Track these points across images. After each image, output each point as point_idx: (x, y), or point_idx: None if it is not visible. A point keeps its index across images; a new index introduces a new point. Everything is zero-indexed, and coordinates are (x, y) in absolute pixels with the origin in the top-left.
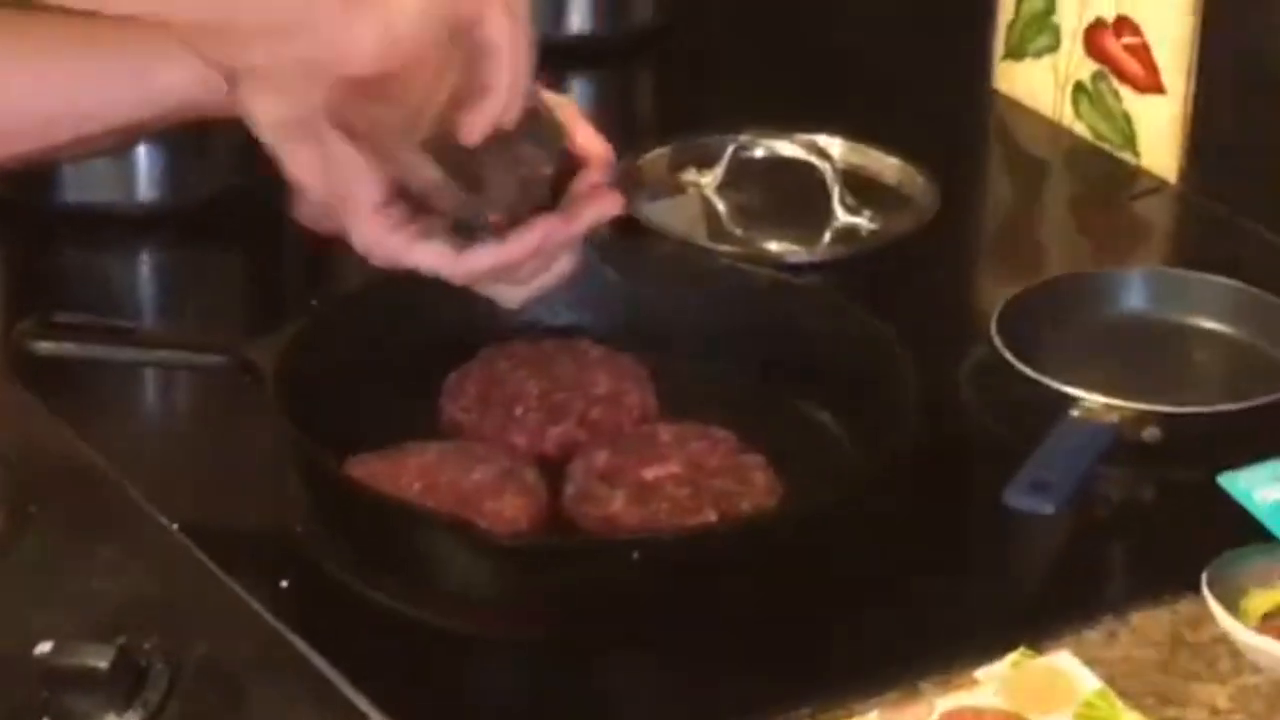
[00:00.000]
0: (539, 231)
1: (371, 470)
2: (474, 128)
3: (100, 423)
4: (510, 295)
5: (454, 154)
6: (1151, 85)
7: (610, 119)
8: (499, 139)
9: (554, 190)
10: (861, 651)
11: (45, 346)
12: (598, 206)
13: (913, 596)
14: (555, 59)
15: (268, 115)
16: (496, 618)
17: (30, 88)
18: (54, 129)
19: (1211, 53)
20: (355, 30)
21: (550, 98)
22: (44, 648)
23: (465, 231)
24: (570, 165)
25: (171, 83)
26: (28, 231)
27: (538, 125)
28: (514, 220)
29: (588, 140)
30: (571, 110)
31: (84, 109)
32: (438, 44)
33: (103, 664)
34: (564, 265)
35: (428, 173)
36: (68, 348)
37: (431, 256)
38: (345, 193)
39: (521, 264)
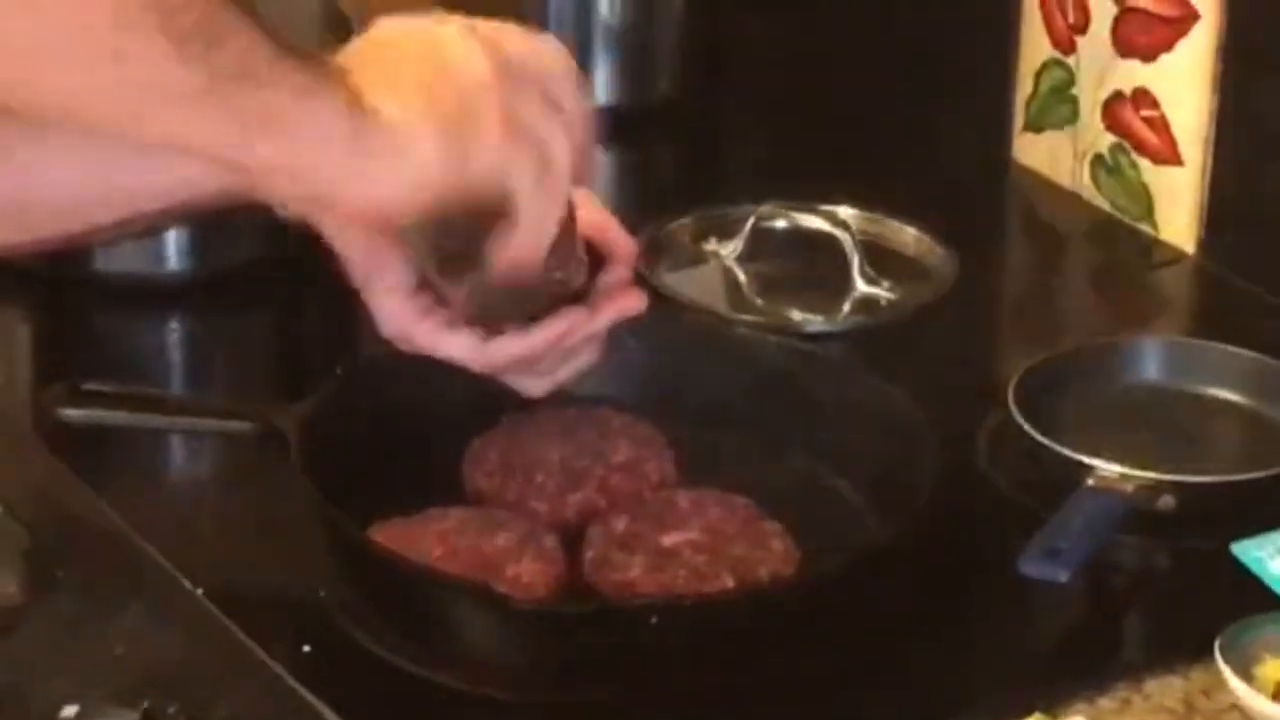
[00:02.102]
0: (562, 327)
1: (395, 536)
2: (500, 261)
3: (127, 488)
4: (532, 385)
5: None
6: (1170, 157)
7: (632, 189)
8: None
9: (570, 277)
10: (875, 715)
11: (73, 413)
12: (621, 304)
13: (928, 662)
14: None
15: (298, 213)
16: (516, 681)
17: (71, 174)
18: (93, 213)
19: (1228, 125)
20: (367, 178)
21: (585, 201)
22: (69, 711)
23: (492, 324)
24: (595, 257)
25: (209, 171)
26: (58, 299)
27: (566, 234)
28: (538, 313)
29: (613, 235)
30: (597, 207)
31: (122, 194)
32: (458, 193)
33: None
34: (585, 359)
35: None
36: (96, 414)
37: (457, 347)
38: (375, 277)
39: (544, 356)
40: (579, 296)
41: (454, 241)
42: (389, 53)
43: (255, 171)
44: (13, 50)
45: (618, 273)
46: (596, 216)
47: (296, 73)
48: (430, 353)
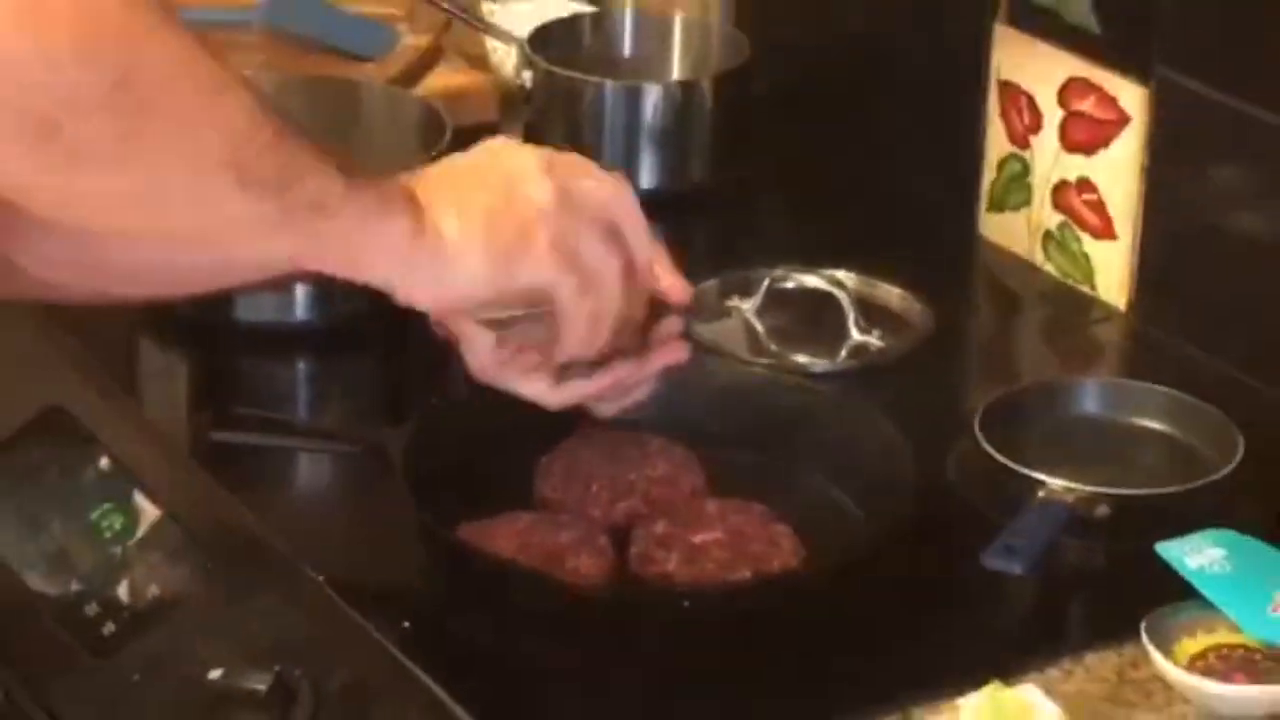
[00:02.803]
0: (619, 375)
1: (477, 534)
2: (557, 354)
3: (262, 496)
4: (600, 410)
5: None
6: (1106, 233)
7: (672, 256)
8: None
9: (641, 326)
10: (867, 681)
11: (220, 435)
12: (669, 355)
13: (908, 638)
14: None
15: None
16: (574, 653)
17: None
18: (220, 278)
19: (1154, 208)
20: (420, 284)
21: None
22: (215, 674)
23: (562, 369)
24: (655, 306)
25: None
26: (208, 343)
27: (629, 324)
28: (601, 359)
29: (673, 287)
30: (662, 257)
31: (238, 271)
32: (506, 298)
33: (262, 687)
34: (642, 393)
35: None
36: (238, 437)
37: (532, 390)
38: (464, 337)
39: (604, 396)
40: (637, 343)
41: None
42: (466, 177)
43: (325, 267)
44: (125, 196)
45: (672, 326)
46: (662, 267)
47: (365, 200)
48: (511, 391)
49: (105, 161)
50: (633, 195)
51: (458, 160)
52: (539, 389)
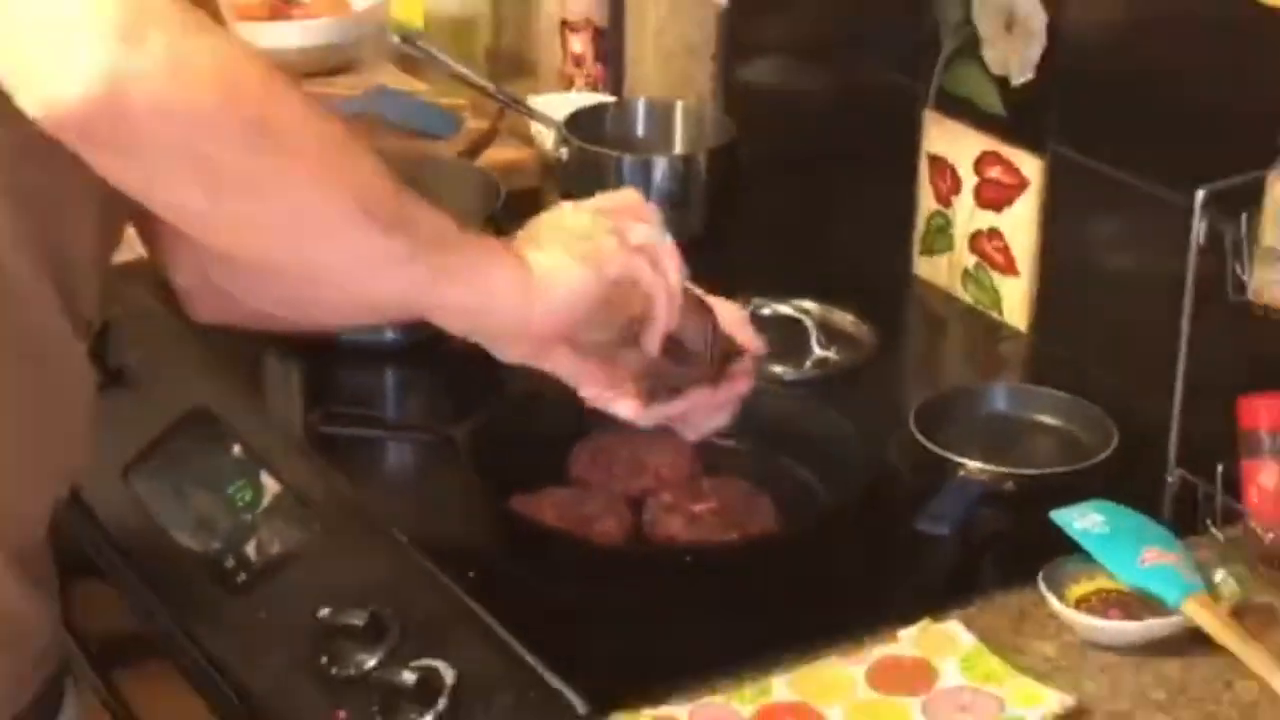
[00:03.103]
0: (692, 401)
1: (525, 505)
2: (651, 343)
3: (360, 474)
4: (686, 433)
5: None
6: (1011, 271)
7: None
8: (672, 344)
9: (724, 360)
10: (827, 617)
11: (326, 428)
12: (737, 386)
13: (860, 584)
14: None
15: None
16: (599, 596)
17: (330, 297)
18: (344, 317)
19: (1047, 251)
20: (535, 306)
21: (724, 308)
22: (324, 612)
23: (649, 392)
24: (734, 348)
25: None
26: (317, 357)
27: (701, 330)
28: (684, 386)
29: (749, 339)
30: (740, 316)
31: (358, 313)
32: (600, 304)
33: (359, 622)
34: (720, 420)
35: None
36: (339, 429)
37: (625, 409)
38: (575, 373)
39: (685, 419)
40: (717, 376)
41: (616, 343)
42: (551, 226)
43: (447, 312)
44: (267, 226)
45: (745, 363)
46: (740, 324)
47: (474, 239)
48: (608, 410)
49: (249, 193)
50: (657, 210)
51: (534, 221)
52: (628, 409)
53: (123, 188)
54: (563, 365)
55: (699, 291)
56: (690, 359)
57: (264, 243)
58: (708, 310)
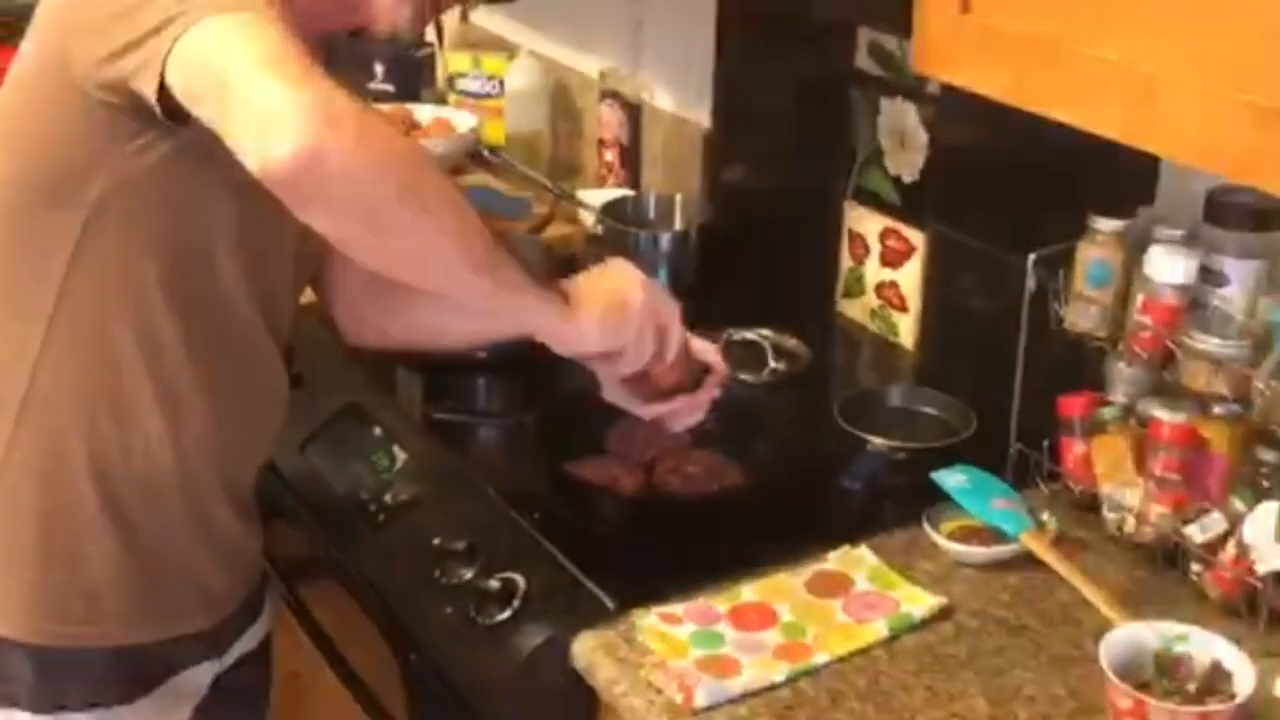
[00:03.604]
0: (676, 404)
1: (575, 469)
2: (658, 365)
3: (460, 447)
4: (673, 427)
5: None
6: (903, 309)
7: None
8: (674, 366)
9: (699, 377)
10: (776, 545)
11: (438, 415)
12: (710, 394)
13: (800, 523)
14: None
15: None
16: (625, 530)
17: (456, 324)
18: (462, 340)
19: (928, 296)
20: (564, 338)
21: (700, 344)
22: (436, 540)
23: (648, 397)
24: (706, 369)
25: (505, 331)
26: (432, 368)
27: (688, 359)
28: (672, 393)
29: (717, 363)
30: (711, 347)
31: (470, 337)
32: (625, 342)
33: (461, 546)
34: (697, 418)
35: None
36: (447, 416)
37: (632, 406)
38: (598, 371)
39: (675, 415)
40: (696, 386)
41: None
42: (597, 278)
43: (517, 328)
44: (409, 258)
45: (714, 379)
46: (712, 354)
47: (535, 288)
48: (619, 406)
49: (397, 235)
50: (678, 314)
51: (594, 271)
52: (636, 405)
53: (314, 225)
54: (600, 370)
55: (685, 330)
56: (680, 374)
57: (406, 270)
58: (689, 342)
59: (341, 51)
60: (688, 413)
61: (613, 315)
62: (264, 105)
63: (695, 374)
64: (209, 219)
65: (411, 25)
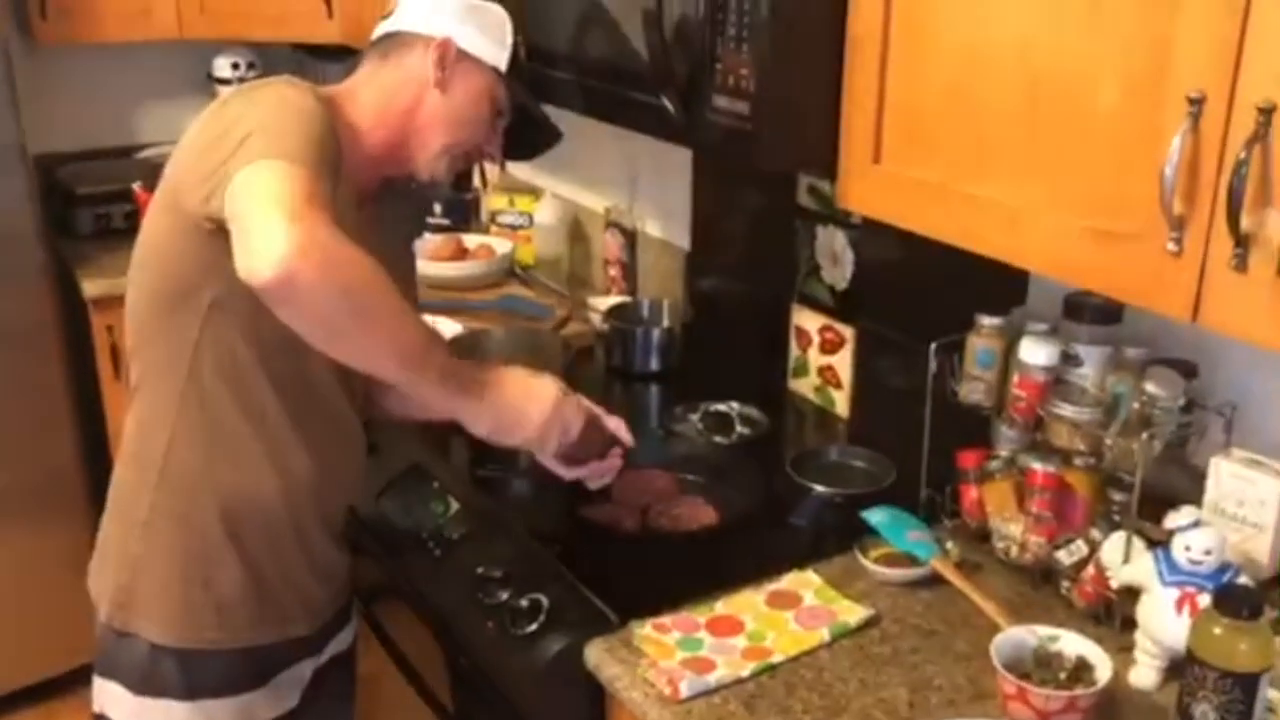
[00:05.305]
0: (590, 468)
1: (589, 513)
2: (573, 449)
3: (499, 497)
4: (591, 484)
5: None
6: (839, 386)
7: (656, 404)
8: (589, 441)
9: (609, 447)
10: (743, 569)
11: (482, 473)
12: (616, 462)
13: (760, 551)
14: (626, 381)
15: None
16: (629, 561)
17: (413, 405)
18: (423, 414)
19: (858, 377)
20: (475, 423)
21: (614, 423)
22: (480, 569)
23: (569, 462)
24: (615, 441)
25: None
26: (438, 435)
27: (601, 433)
28: (586, 460)
29: (625, 436)
30: (620, 422)
31: (424, 413)
32: (516, 441)
33: (499, 574)
34: (607, 480)
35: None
36: (490, 473)
37: (555, 469)
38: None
39: (590, 478)
40: (604, 455)
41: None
42: (520, 381)
43: (442, 414)
44: (362, 353)
45: (619, 450)
46: (620, 426)
47: (460, 378)
48: (547, 468)
49: (346, 338)
50: (581, 418)
51: (520, 372)
52: (559, 469)
53: (289, 325)
54: (534, 449)
55: (596, 408)
56: (591, 447)
57: (356, 362)
58: (602, 420)
59: (413, 195)
60: (598, 475)
61: (506, 419)
62: (260, 233)
63: (608, 444)
64: None
65: (446, 176)
